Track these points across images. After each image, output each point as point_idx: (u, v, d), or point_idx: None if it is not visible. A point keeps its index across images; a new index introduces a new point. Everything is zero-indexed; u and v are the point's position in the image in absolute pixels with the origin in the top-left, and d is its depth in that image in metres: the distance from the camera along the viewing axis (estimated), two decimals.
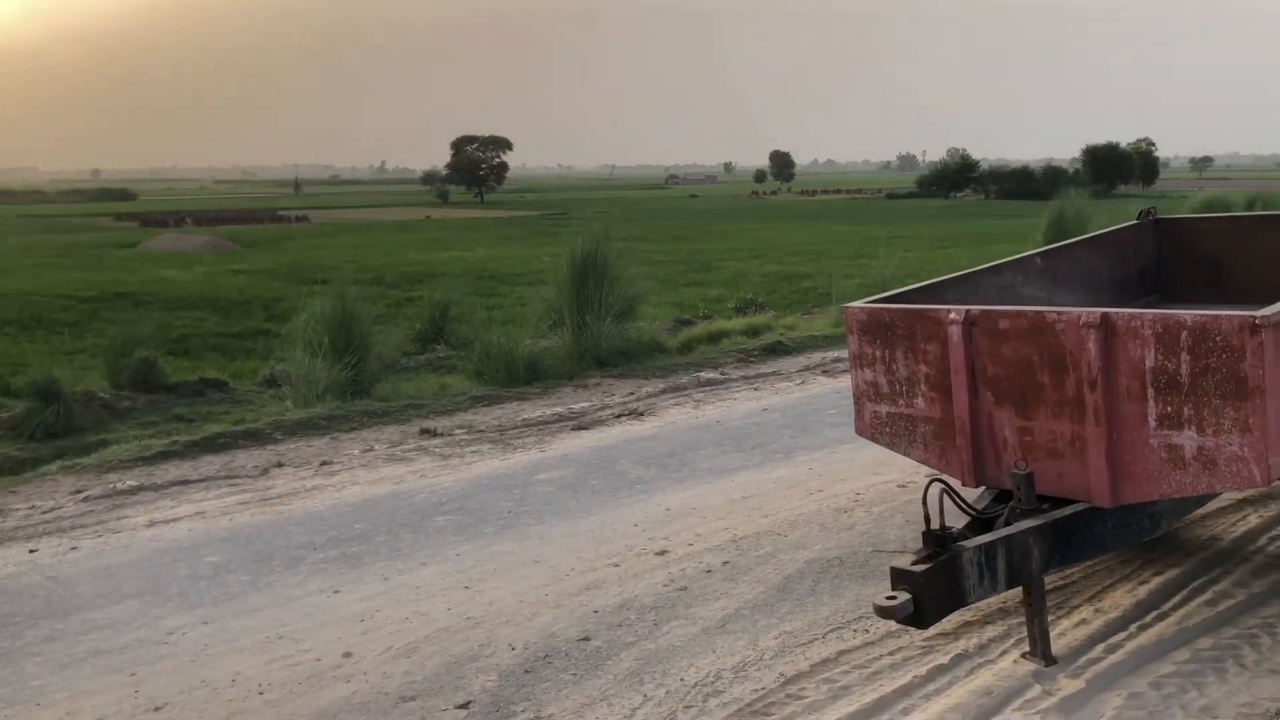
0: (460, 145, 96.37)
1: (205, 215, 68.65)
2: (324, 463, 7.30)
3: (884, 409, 4.58)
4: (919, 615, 3.59)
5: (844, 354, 12.28)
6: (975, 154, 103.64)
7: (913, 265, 22.30)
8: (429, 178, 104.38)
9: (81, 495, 6.63)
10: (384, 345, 12.17)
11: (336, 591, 4.93)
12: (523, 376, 11.25)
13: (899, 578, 3.63)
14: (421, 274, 29.00)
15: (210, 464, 7.47)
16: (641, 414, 8.45)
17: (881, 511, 5.78)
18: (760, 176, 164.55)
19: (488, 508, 6.10)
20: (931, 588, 3.60)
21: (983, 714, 3.63)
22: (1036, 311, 4.06)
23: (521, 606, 4.68)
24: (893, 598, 3.58)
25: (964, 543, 3.73)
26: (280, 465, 7.29)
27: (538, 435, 7.88)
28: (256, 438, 9.51)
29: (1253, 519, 5.38)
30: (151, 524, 5.99)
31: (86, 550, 5.58)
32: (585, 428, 8.09)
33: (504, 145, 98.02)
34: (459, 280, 25.76)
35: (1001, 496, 4.28)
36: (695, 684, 3.93)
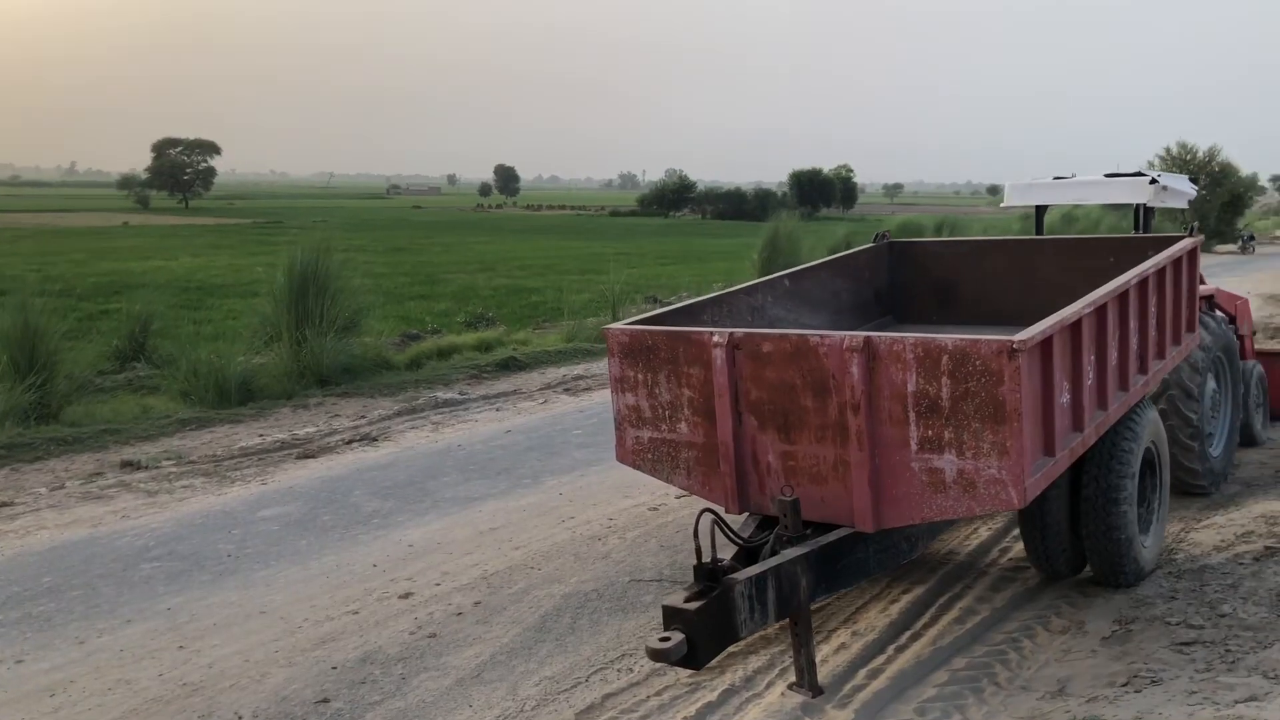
0: (162, 148, 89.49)
1: None
2: (1, 504, 6.33)
3: (646, 434, 4.39)
4: (693, 655, 3.40)
5: (582, 370, 12.37)
6: (692, 175, 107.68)
7: (638, 281, 22.71)
8: (127, 181, 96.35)
9: None
10: (75, 364, 10.91)
11: (19, 661, 4.20)
12: (235, 397, 10.40)
13: (671, 616, 3.43)
14: (119, 285, 26.61)
15: None
16: (375, 439, 7.93)
17: (635, 537, 5.61)
18: (485, 190, 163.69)
19: (203, 551, 5.44)
20: (705, 625, 3.42)
21: None
22: (800, 334, 3.99)
23: (248, 666, 4.15)
24: (666, 639, 3.37)
25: (735, 575, 3.58)
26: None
27: (258, 465, 7.20)
28: None
29: (983, 532, 5.62)
30: None
31: None
32: (312, 455, 7.48)
33: (211, 149, 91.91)
34: (162, 292, 23.75)
35: (765, 523, 4.19)
36: None
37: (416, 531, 5.75)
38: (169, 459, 7.39)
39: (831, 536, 3.93)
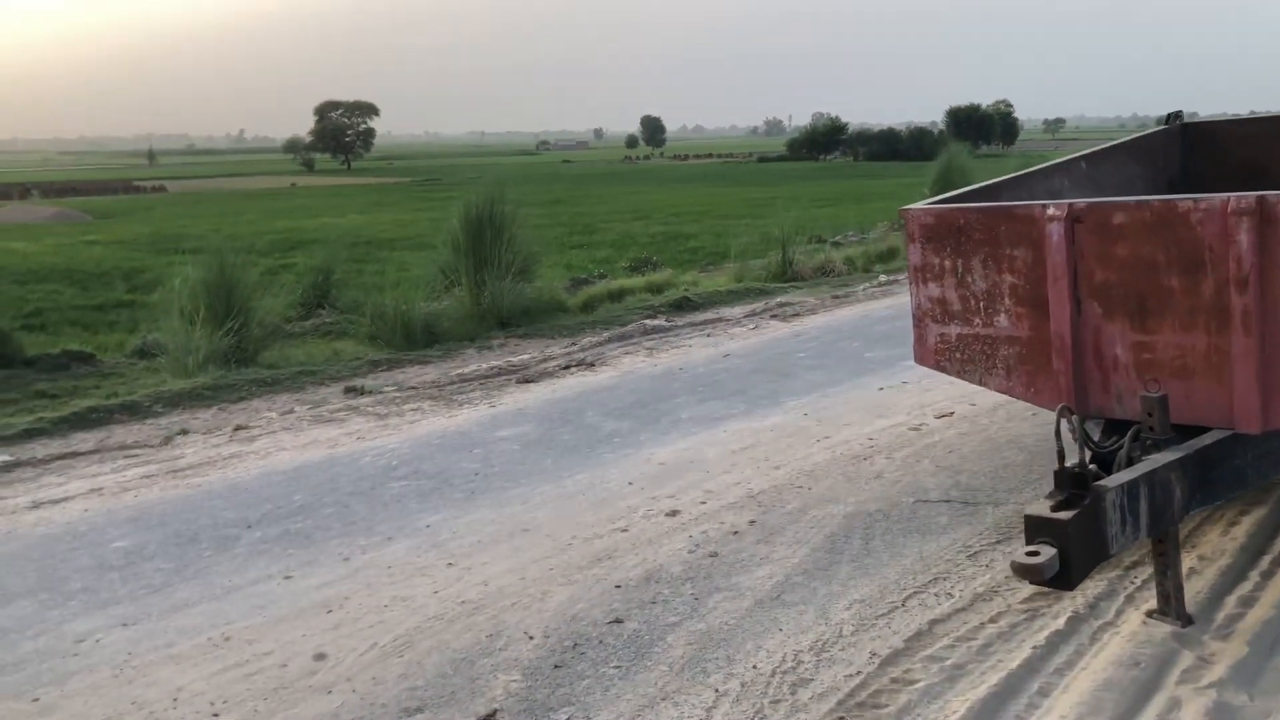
0: (324, 111, 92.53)
1: (52, 187, 64.05)
2: (238, 427, 6.27)
3: (954, 330, 3.86)
4: (1065, 573, 2.88)
5: (780, 301, 11.86)
6: (842, 118, 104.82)
7: (799, 223, 22.04)
8: (292, 145, 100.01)
9: None
10: (266, 312, 11.09)
11: (288, 577, 3.98)
12: (421, 339, 10.43)
13: (1038, 528, 2.90)
14: (293, 241, 27.48)
15: (93, 438, 6.32)
16: (592, 364, 7.61)
17: (905, 457, 5.10)
18: (632, 142, 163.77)
19: (449, 470, 5.19)
20: (1079, 538, 2.90)
21: (1143, 692, 2.97)
22: (1164, 201, 3.39)
23: (526, 585, 3.83)
24: (1035, 553, 2.86)
25: (1104, 482, 3.04)
26: (185, 433, 6.22)
27: (482, 390, 6.97)
28: (134, 411, 8.42)
29: None
30: (35, 505, 4.89)
31: None
32: (532, 380, 7.21)
33: (370, 111, 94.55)
34: (334, 247, 24.41)
35: (1109, 428, 3.63)
36: (773, 672, 3.16)
37: (663, 450, 5.37)
38: (390, 386, 7.24)
39: (1208, 439, 3.33)
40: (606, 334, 8.85)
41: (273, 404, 7.66)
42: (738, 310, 10.02)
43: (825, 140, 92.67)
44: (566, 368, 7.54)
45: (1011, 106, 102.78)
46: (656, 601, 3.65)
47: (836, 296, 10.78)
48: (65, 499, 4.99)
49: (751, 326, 9.01)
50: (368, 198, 50.37)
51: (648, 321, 9.34)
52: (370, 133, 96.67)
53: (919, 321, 3.95)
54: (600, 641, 3.38)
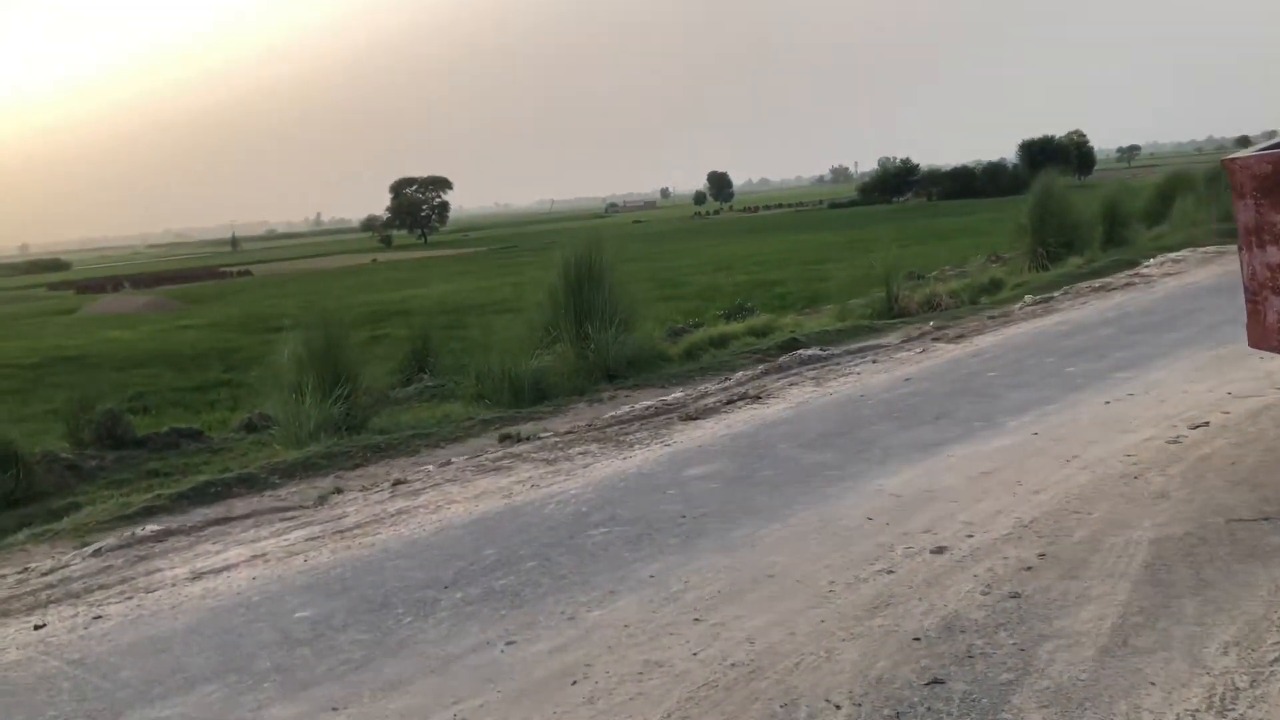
0: (400, 188, 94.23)
1: (143, 278, 65.82)
2: (398, 482, 5.73)
3: None
4: None
5: (935, 326, 11.08)
6: (911, 159, 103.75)
7: (894, 262, 21.42)
8: (369, 223, 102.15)
9: (90, 549, 4.97)
10: (370, 379, 10.78)
11: (510, 643, 3.36)
12: (529, 396, 9.98)
13: None
14: (383, 313, 27.57)
15: (250, 501, 5.88)
16: (758, 397, 6.95)
17: (1183, 473, 4.34)
18: (700, 198, 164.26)
19: (649, 514, 4.56)
20: None
21: None
22: None
23: (801, 642, 3.14)
24: None
25: None
26: (339, 491, 5.72)
27: (647, 429, 6.35)
28: (251, 484, 8.05)
29: None
30: (197, 575, 4.38)
31: (116, 619, 3.96)
32: (696, 417, 6.58)
33: (444, 185, 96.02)
34: (423, 316, 24.40)
35: None
36: None
37: (890, 480, 4.66)
38: (545, 433, 6.68)
39: None
40: (761, 367, 8.22)
41: (429, 457, 7.24)
42: (889, 339, 9.32)
43: (897, 182, 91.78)
44: (730, 402, 6.89)
45: (1085, 136, 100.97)
46: (974, 655, 2.94)
47: (993, 317, 10.02)
48: (227, 567, 4.48)
49: (918, 350, 8.29)
50: (448, 268, 50.88)
51: (803, 351, 8.68)
52: (445, 206, 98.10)
53: (1255, 295, 3.26)
54: (928, 709, 2.68)
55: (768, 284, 24.95)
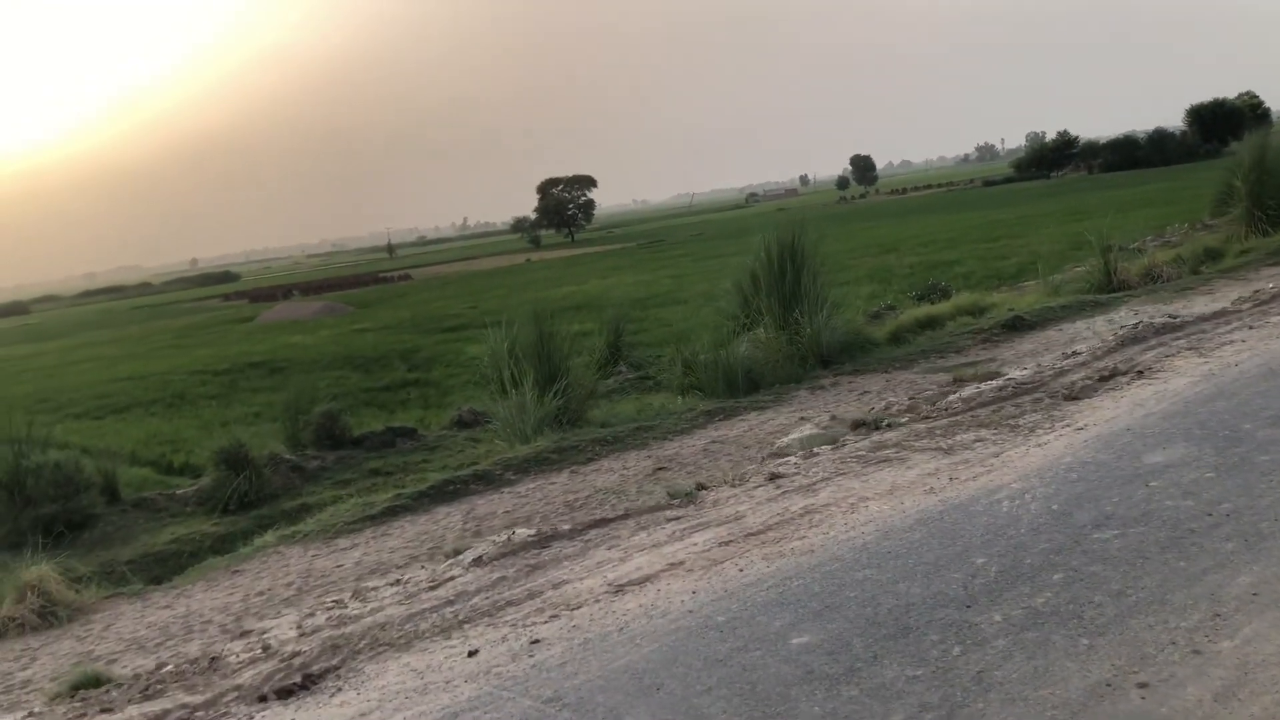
0: (546, 188, 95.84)
1: (310, 285, 68.83)
2: (773, 476, 5.52)
3: None
4: None
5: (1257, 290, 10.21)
6: (1069, 131, 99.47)
7: (1078, 237, 20.45)
8: (519, 225, 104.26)
9: (468, 558, 4.85)
10: (573, 374, 10.86)
11: (1143, 685, 2.87)
12: (742, 386, 9.86)
13: None
14: (548, 310, 27.98)
15: (600, 502, 5.82)
16: (1140, 372, 6.65)
17: None
18: (843, 183, 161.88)
19: (1154, 512, 4.14)
20: None
21: None
22: None
23: None
24: None
25: None
26: (703, 488, 5.60)
27: (1033, 412, 6.06)
28: (488, 480, 8.18)
29: None
30: (617, 589, 4.11)
31: (560, 644, 3.68)
32: (1076, 397, 6.27)
33: (589, 183, 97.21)
34: (587, 311, 24.56)
35: None
36: None
37: None
38: (890, 416, 6.55)
39: None
40: (1113, 339, 7.87)
41: (662, 448, 7.16)
42: (1199, 308, 8.82)
43: (1055, 156, 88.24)
44: (1104, 379, 6.58)
45: (1258, 97, 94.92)
46: None
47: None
48: (647, 578, 4.23)
49: (1279, 315, 7.92)
50: (602, 264, 51.36)
51: (1154, 320, 8.30)
52: (590, 204, 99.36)
53: None
54: None
55: (944, 264, 24.26)
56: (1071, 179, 78.81)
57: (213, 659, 3.62)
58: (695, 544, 4.53)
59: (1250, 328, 7.48)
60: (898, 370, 9.94)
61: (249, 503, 9.66)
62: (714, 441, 8.12)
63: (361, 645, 3.71)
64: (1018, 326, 11.00)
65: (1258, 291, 8.88)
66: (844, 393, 9.32)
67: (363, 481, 10.59)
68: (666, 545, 4.58)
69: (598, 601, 4.04)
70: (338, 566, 6.49)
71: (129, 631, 5.79)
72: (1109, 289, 13.00)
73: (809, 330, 10.75)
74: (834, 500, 4.88)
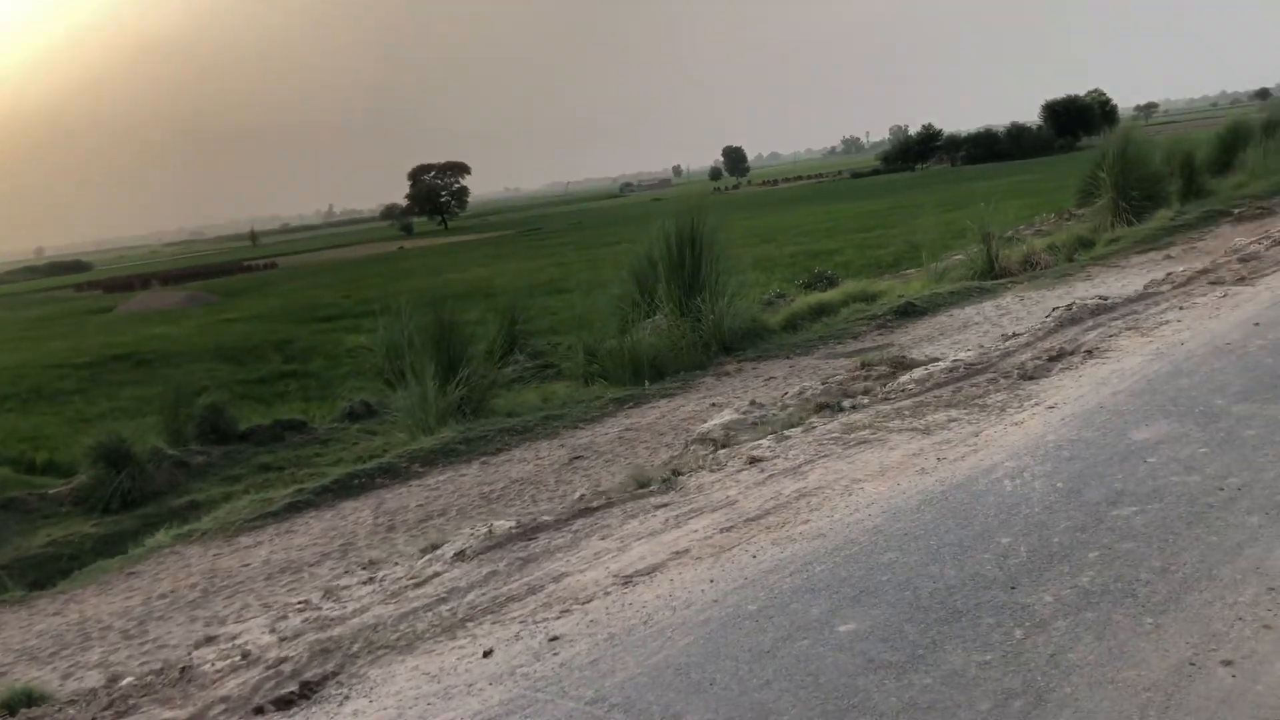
0: (418, 175, 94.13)
1: (170, 275, 65.89)
2: (753, 459, 5.31)
3: None
4: None
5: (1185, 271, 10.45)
6: (920, 127, 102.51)
7: (952, 227, 21.16)
8: (390, 212, 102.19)
9: (450, 553, 4.51)
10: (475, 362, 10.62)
11: (1228, 663, 2.78)
12: (649, 373, 9.83)
13: None
14: (429, 299, 27.40)
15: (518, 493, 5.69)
16: (1089, 351, 6.68)
17: None
18: (716, 174, 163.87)
19: (1165, 488, 4.09)
20: None
21: None
22: None
23: None
24: None
25: None
26: (678, 474, 5.37)
27: (995, 391, 6.04)
28: (395, 474, 7.91)
29: None
30: (626, 580, 3.87)
31: (584, 641, 3.41)
32: (1033, 376, 6.30)
33: (462, 170, 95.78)
34: (472, 300, 24.18)
35: None
36: None
37: None
38: (852, 396, 6.48)
39: None
40: (1052, 321, 7.95)
41: (572, 436, 7.01)
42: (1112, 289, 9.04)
43: (920, 149, 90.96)
44: (1054, 359, 6.61)
45: (1106, 95, 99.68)
46: None
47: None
48: (654, 568, 3.98)
49: (1220, 295, 8.14)
50: (480, 252, 50.72)
51: (1088, 302, 8.38)
52: (464, 191, 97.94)
53: None
54: None
55: (824, 254, 24.67)
56: (936, 171, 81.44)
57: (183, 668, 3.31)
58: (695, 531, 4.34)
59: (1180, 308, 7.73)
60: (799, 356, 10.02)
61: (132, 501, 9.15)
62: (628, 429, 8.01)
63: (356, 649, 3.40)
64: (910, 312, 11.22)
65: (1170, 275, 9.24)
66: (750, 379, 9.33)
67: (253, 477, 10.14)
68: (664, 533, 4.38)
69: (608, 594, 3.80)
70: (244, 566, 6.17)
71: (17, 641, 5.39)
72: (992, 275, 13.38)
73: (711, 317, 10.74)
74: (825, 483, 4.77)
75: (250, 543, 6.69)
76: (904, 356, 8.28)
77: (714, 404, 8.25)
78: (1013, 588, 3.37)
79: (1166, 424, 4.92)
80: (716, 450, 5.74)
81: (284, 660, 3.25)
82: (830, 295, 13.76)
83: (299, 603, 3.83)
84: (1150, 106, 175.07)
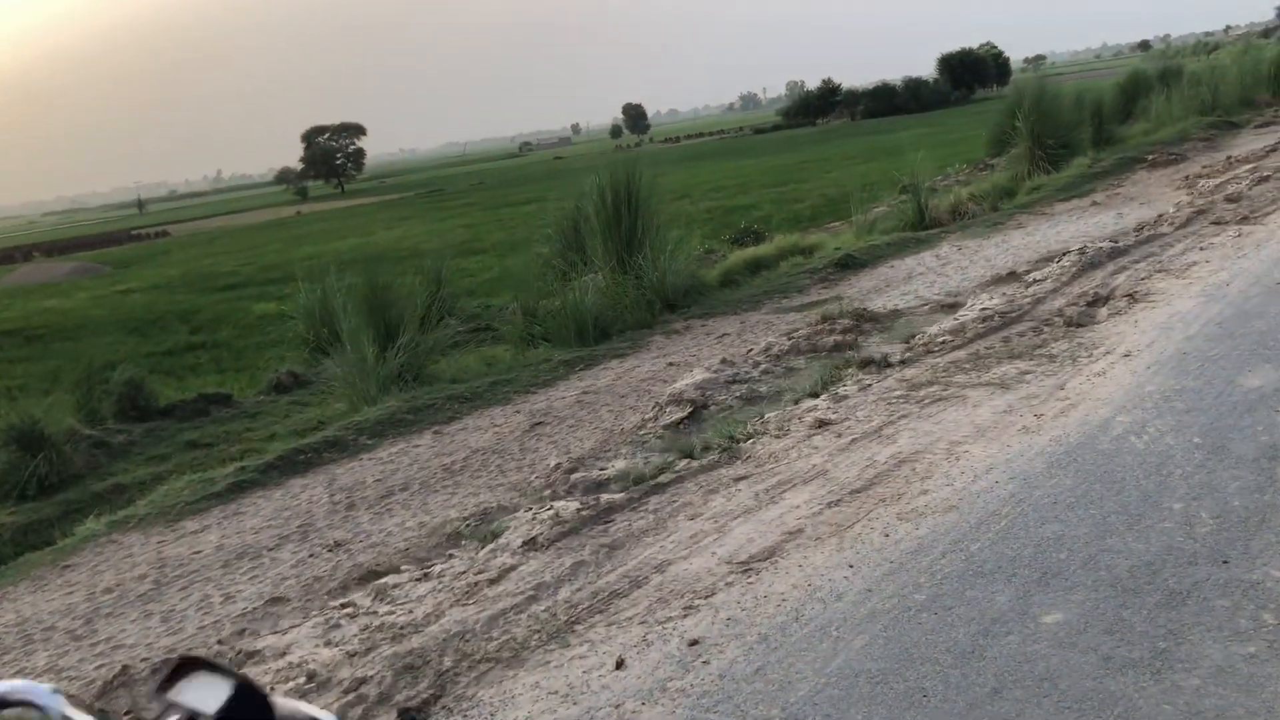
0: (311, 137, 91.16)
1: (54, 245, 62.66)
2: (821, 423, 4.97)
3: None
4: None
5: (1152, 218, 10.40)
6: (819, 82, 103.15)
7: (867, 179, 21.12)
8: (284, 176, 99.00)
9: (515, 543, 3.97)
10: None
11: None
12: (593, 335, 9.54)
13: None
14: (338, 264, 26.54)
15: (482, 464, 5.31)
16: (1133, 296, 6.56)
17: None
18: (616, 132, 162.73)
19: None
20: None
21: None
22: None
23: None
24: None
25: None
26: (737, 440, 5.05)
27: (1057, 344, 5.83)
28: (342, 448, 7.49)
29: None
30: (745, 569, 3.45)
31: (733, 647, 2.97)
32: (1081, 324, 6.15)
33: (358, 131, 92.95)
34: (383, 265, 23.47)
35: None
36: None
37: None
38: (821, 351, 6.27)
39: None
40: (1071, 265, 7.83)
41: (524, 402, 6.67)
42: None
43: (819, 104, 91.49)
44: (1092, 304, 6.47)
45: (999, 48, 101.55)
46: None
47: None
48: (768, 552, 3.64)
49: (1215, 236, 8.10)
50: (383, 215, 49.34)
51: (1102, 246, 8.28)
52: (360, 154, 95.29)
53: None
54: None
55: (740, 209, 24.48)
56: (837, 125, 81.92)
57: None
58: (797, 507, 3.92)
59: (1200, 249, 7.69)
60: (747, 312, 9.83)
61: (49, 486, 8.53)
62: (585, 392, 7.72)
63: (448, 663, 2.92)
64: (850, 265, 11.13)
65: (1162, 215, 9.22)
66: (701, 336, 9.11)
67: (181, 455, 9.56)
68: (760, 511, 3.95)
69: (730, 585, 3.36)
70: (195, 553, 5.73)
71: None
72: (923, 226, 13.35)
73: (653, 274, 10.48)
74: (922, 447, 4.40)
75: (196, 527, 6.24)
76: (865, 309, 8.14)
77: (671, 363, 8.00)
78: (1224, 562, 3.01)
79: (1273, 370, 4.69)
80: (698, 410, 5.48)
81: (364, 681, 2.80)
82: (765, 250, 13.61)
83: (338, 605, 3.35)
84: (1039, 59, 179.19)
